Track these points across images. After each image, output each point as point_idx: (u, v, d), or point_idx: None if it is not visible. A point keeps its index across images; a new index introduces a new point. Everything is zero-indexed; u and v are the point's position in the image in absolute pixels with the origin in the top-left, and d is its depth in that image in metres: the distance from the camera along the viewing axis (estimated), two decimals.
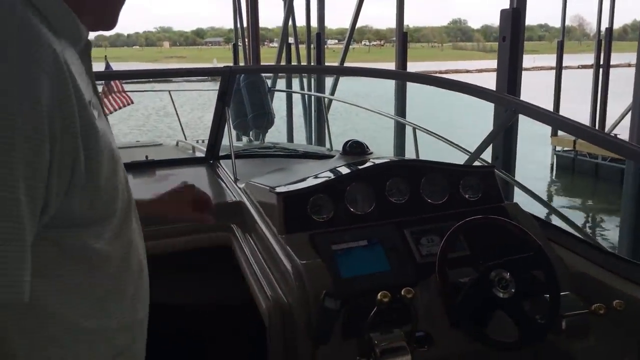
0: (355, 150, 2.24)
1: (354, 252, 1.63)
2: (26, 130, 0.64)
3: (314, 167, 2.23)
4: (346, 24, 11.48)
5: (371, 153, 2.26)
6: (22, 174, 0.65)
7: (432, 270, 1.53)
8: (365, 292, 1.47)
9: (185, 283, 2.36)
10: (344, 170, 1.95)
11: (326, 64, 11.82)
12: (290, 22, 13.02)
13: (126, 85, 8.63)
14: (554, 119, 2.09)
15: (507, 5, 5.10)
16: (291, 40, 13.40)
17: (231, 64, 11.73)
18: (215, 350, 2.53)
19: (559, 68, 15.47)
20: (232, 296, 2.12)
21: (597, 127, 13.70)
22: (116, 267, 0.85)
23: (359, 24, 11.56)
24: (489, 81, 5.23)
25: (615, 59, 15.51)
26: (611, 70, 14.73)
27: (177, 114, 6.43)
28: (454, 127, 12.83)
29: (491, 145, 2.80)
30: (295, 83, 13.40)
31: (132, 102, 8.51)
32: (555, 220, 2.24)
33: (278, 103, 10.37)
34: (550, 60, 20.09)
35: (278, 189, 1.79)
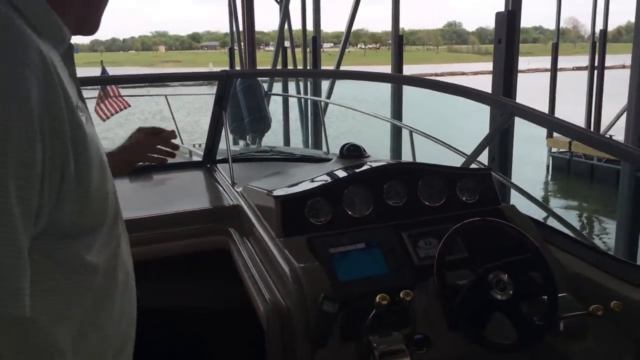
0: (352, 153, 2.25)
1: (352, 255, 1.63)
2: (19, 131, 0.62)
3: (311, 171, 2.23)
4: (342, 28, 11.52)
5: (368, 156, 2.26)
6: (14, 175, 0.62)
7: (430, 273, 1.53)
8: (363, 295, 1.47)
9: (183, 287, 2.35)
10: (342, 173, 1.96)
11: (322, 67, 11.84)
12: (286, 26, 13.06)
13: (122, 90, 8.63)
14: (550, 122, 2.10)
15: (502, 8, 5.13)
16: (287, 43, 13.42)
17: (227, 68, 11.73)
18: (214, 354, 2.52)
19: (553, 70, 15.54)
20: (230, 300, 2.12)
21: (592, 129, 13.77)
22: (102, 279, 0.82)
23: (354, 27, 11.61)
24: (485, 83, 5.26)
25: (609, 60, 15.61)
26: (606, 71, 14.82)
27: (173, 118, 6.43)
28: (451, 129, 12.87)
29: (487, 148, 2.80)
30: (292, 86, 13.42)
31: (129, 105, 8.50)
32: (552, 222, 2.25)
33: (274, 106, 10.39)
34: (545, 62, 20.19)
35: (276, 193, 1.79)
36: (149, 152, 1.53)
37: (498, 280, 1.46)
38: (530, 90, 14.33)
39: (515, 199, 2.59)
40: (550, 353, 1.54)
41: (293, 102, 12.99)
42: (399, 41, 8.66)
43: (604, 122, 14.43)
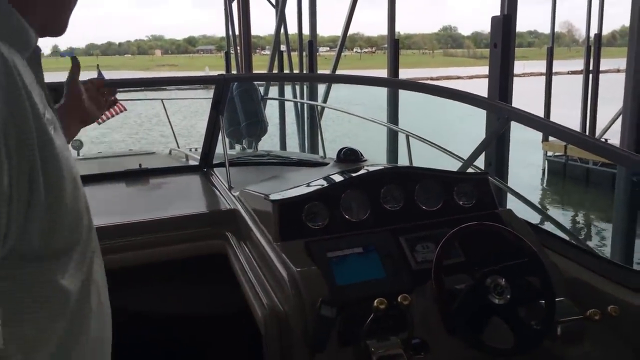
0: (349, 157, 2.25)
1: (350, 259, 1.63)
2: None
3: (308, 175, 2.23)
4: (338, 32, 11.54)
5: (365, 160, 2.27)
6: None
7: (428, 277, 1.53)
8: (361, 299, 1.47)
9: (180, 291, 2.35)
10: (339, 177, 1.96)
11: (318, 71, 11.87)
12: (282, 30, 13.08)
13: (118, 94, 8.60)
14: (546, 126, 2.11)
15: (497, 12, 5.15)
16: (283, 47, 13.44)
17: (224, 72, 11.75)
18: (211, 359, 2.51)
19: (548, 74, 15.62)
20: (228, 304, 2.11)
21: (587, 132, 13.83)
22: (76, 303, 0.74)
23: (350, 32, 11.63)
24: (481, 87, 5.27)
25: (604, 64, 15.70)
26: (600, 75, 14.90)
27: (169, 122, 6.42)
28: (447, 132, 12.89)
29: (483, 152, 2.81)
30: (288, 90, 13.43)
31: (125, 109, 8.47)
32: (547, 226, 2.25)
33: (270, 110, 10.39)
34: (540, 66, 20.27)
35: (273, 197, 1.79)
36: (87, 105, 1.39)
37: (496, 285, 1.46)
38: (526, 94, 14.40)
39: (512, 203, 2.60)
40: (548, 357, 1.54)
41: (289, 106, 13.01)
42: (394, 45, 8.69)
43: (599, 126, 14.50)
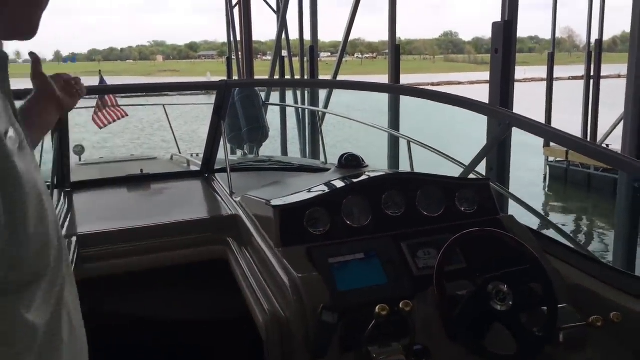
0: (350, 163, 2.25)
1: (351, 265, 1.63)
2: None
3: (309, 180, 2.24)
4: (339, 37, 11.57)
5: (367, 166, 2.27)
6: None
7: (429, 283, 1.53)
8: (362, 305, 1.47)
9: (182, 296, 2.35)
10: (340, 183, 1.96)
11: (320, 76, 11.89)
12: (283, 35, 13.11)
13: (120, 99, 8.63)
14: (547, 132, 2.11)
15: (497, 18, 5.16)
16: (284, 53, 13.48)
17: (225, 78, 11.76)
18: None
19: (549, 79, 15.62)
20: (229, 310, 2.11)
21: (588, 138, 13.82)
22: (44, 337, 0.66)
23: (351, 37, 11.66)
24: (482, 92, 5.27)
25: (605, 70, 15.70)
26: (602, 81, 14.91)
27: (171, 128, 6.43)
28: (448, 135, 12.88)
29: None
30: (289, 96, 13.45)
31: (127, 115, 8.49)
32: (548, 231, 2.25)
33: (271, 115, 10.41)
34: (541, 71, 20.29)
35: (274, 202, 1.79)
36: (59, 94, 1.41)
37: (498, 291, 1.46)
38: (527, 99, 14.41)
39: (513, 208, 2.59)
40: None
41: (290, 112, 13.02)
42: (395, 51, 8.71)
43: (601, 131, 14.49)
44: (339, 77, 11.13)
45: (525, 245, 1.58)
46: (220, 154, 2.82)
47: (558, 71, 17.78)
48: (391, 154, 8.37)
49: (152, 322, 2.39)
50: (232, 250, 1.99)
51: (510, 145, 4.86)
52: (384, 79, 10.31)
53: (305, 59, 12.22)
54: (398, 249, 1.70)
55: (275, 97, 12.68)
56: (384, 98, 8.83)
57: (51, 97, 1.37)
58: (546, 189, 14.84)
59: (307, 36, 11.95)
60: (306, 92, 12.10)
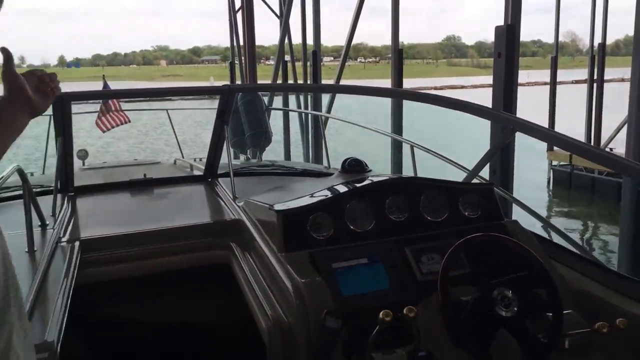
0: (354, 168, 2.25)
1: (355, 270, 1.62)
2: None
3: (312, 185, 2.23)
4: (342, 42, 11.58)
5: (370, 171, 2.26)
6: None
7: (433, 288, 1.52)
8: (366, 311, 1.46)
9: (184, 301, 2.34)
10: (343, 188, 1.95)
11: (322, 81, 11.89)
12: (286, 40, 13.12)
13: (124, 104, 8.66)
14: (551, 137, 2.10)
15: (500, 22, 5.15)
16: (287, 57, 13.49)
17: (228, 82, 11.78)
18: None
19: (553, 83, 15.60)
20: (231, 314, 2.11)
21: (592, 142, 13.77)
22: None
23: (354, 42, 11.66)
24: (485, 96, 5.26)
25: (608, 73, 15.67)
26: (605, 84, 14.87)
27: (174, 132, 6.45)
28: (452, 136, 12.85)
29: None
30: (292, 100, 13.45)
31: (129, 121, 8.52)
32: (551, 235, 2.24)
33: (274, 120, 10.40)
34: (544, 75, 20.25)
35: (277, 207, 1.78)
36: (31, 95, 1.29)
37: (502, 297, 1.45)
38: (531, 102, 14.37)
39: (516, 213, 2.58)
40: None
41: (293, 116, 13.02)
42: (398, 55, 8.70)
43: (604, 135, 14.45)
44: (342, 82, 11.12)
45: (531, 250, 1.57)
46: (224, 159, 2.82)
47: (561, 75, 17.75)
48: (394, 158, 8.35)
49: (155, 327, 2.38)
50: (235, 255, 1.99)
51: (514, 149, 4.84)
52: (386, 82, 10.31)
53: (308, 63, 12.22)
54: (402, 254, 1.69)
55: (278, 101, 12.68)
56: (387, 102, 8.82)
57: (23, 99, 1.25)
58: (550, 193, 14.79)
59: (310, 41, 11.95)
60: (309, 97, 12.10)
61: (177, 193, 2.75)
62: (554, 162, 15.08)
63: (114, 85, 10.53)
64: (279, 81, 12.59)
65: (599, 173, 13.23)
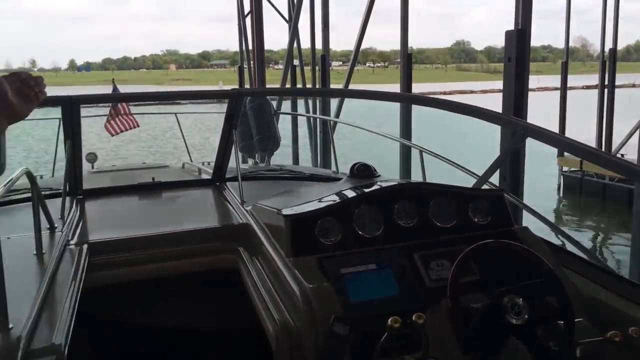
0: (362, 172, 2.24)
1: (363, 276, 1.61)
2: None
3: (321, 190, 2.22)
4: (350, 46, 11.59)
5: (379, 176, 2.25)
6: None
7: (442, 295, 1.50)
8: (374, 317, 1.45)
9: (192, 305, 2.34)
10: (352, 193, 1.94)
11: (331, 85, 11.90)
12: (295, 45, 13.15)
13: (133, 107, 8.71)
14: (562, 142, 2.08)
15: (510, 27, 5.12)
16: (296, 62, 13.52)
17: (237, 87, 11.83)
18: None
19: (563, 89, 15.51)
20: (239, 319, 2.10)
21: (603, 147, 13.67)
22: None
23: (363, 46, 11.66)
24: (495, 101, 5.23)
25: (619, 79, 15.56)
26: (616, 90, 14.77)
27: (183, 136, 6.47)
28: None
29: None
30: (301, 104, 13.47)
31: (138, 126, 8.56)
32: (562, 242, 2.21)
33: (283, 124, 10.41)
34: (554, 80, 20.15)
35: (285, 212, 1.78)
36: (12, 99, 1.23)
37: (513, 304, 1.42)
38: (541, 107, 14.29)
39: (526, 219, 2.55)
40: None
41: (302, 120, 13.04)
42: (407, 59, 8.69)
43: (616, 141, 14.35)
44: (351, 86, 11.13)
45: (542, 258, 1.55)
46: (232, 163, 2.82)
47: (572, 80, 17.65)
48: (403, 164, 8.33)
49: (161, 330, 2.38)
50: (242, 260, 1.98)
51: (525, 155, 4.81)
52: (395, 87, 10.30)
53: (317, 67, 12.25)
54: (410, 260, 1.68)
55: (286, 106, 12.71)
56: (395, 107, 8.79)
57: (4, 104, 1.19)
58: (560, 200, 14.67)
59: (319, 45, 11.98)
60: (318, 101, 12.12)
61: (185, 197, 2.76)
62: (565, 168, 14.97)
63: (123, 88, 10.60)
64: (288, 85, 12.62)
65: (610, 179, 13.11)
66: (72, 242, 1.96)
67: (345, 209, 1.77)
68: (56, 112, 2.77)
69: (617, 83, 15.09)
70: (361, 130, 4.24)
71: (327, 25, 11.51)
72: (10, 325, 1.22)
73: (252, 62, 13.07)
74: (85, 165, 4.46)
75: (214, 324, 2.40)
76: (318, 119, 11.58)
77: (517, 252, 1.58)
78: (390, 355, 1.41)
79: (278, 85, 13.85)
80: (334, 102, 11.63)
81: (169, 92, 2.90)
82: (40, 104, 1.29)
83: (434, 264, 1.67)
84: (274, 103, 9.47)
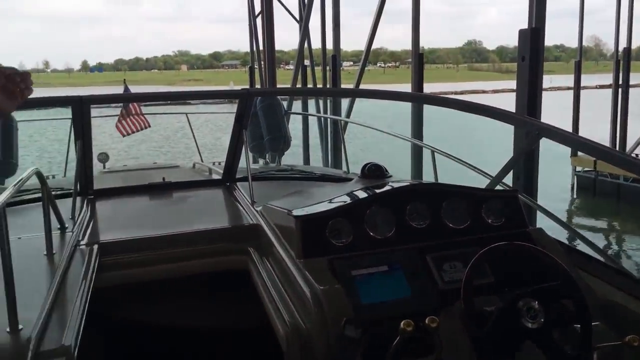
0: (374, 173, 2.22)
1: (375, 278, 1.59)
2: None
3: (332, 190, 2.21)
4: (361, 46, 11.56)
5: (390, 176, 2.23)
6: None
7: (455, 297, 1.48)
8: (386, 320, 1.43)
9: (202, 306, 2.34)
10: (363, 193, 1.93)
11: (342, 85, 11.88)
12: (306, 45, 13.15)
13: (144, 108, 8.75)
14: (577, 142, 2.05)
15: (523, 26, 5.07)
16: (307, 62, 13.51)
17: (248, 87, 11.86)
18: None
19: (577, 88, 15.35)
20: (249, 320, 2.09)
21: (617, 147, 13.51)
22: None
23: (374, 46, 11.62)
24: (506, 100, 5.17)
25: (633, 79, 15.37)
26: (630, 89, 14.60)
27: (193, 136, 6.49)
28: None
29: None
30: (312, 105, 13.46)
31: (149, 126, 8.60)
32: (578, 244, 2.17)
33: (293, 124, 10.40)
34: (567, 80, 19.95)
35: (296, 212, 1.76)
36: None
37: (528, 308, 1.40)
38: (554, 107, 14.14)
39: (540, 221, 2.52)
40: None
41: (313, 120, 13.03)
42: (419, 59, 8.64)
43: (630, 141, 14.18)
44: (361, 86, 11.09)
45: (557, 260, 1.52)
46: (242, 163, 2.81)
47: (585, 80, 17.46)
48: (414, 165, 8.28)
49: (171, 331, 2.38)
50: (253, 261, 1.97)
51: (539, 155, 4.75)
52: (406, 87, 10.25)
53: (328, 67, 12.23)
54: (423, 261, 1.66)
55: (297, 106, 12.70)
56: (406, 107, 8.74)
57: None
58: (574, 201, 14.52)
59: (330, 45, 11.97)
60: (328, 101, 12.10)
61: (196, 197, 2.75)
62: (578, 168, 14.82)
63: (134, 89, 10.66)
64: (298, 85, 12.62)
65: (624, 179, 12.94)
66: (83, 242, 1.96)
67: (357, 209, 1.75)
68: (69, 112, 2.78)
69: (631, 82, 14.91)
70: (372, 131, 4.22)
71: (337, 25, 11.49)
72: (20, 326, 1.21)
73: (262, 63, 13.09)
74: (97, 165, 4.48)
75: (224, 325, 2.39)
76: (329, 119, 11.57)
77: (532, 254, 1.55)
78: (403, 358, 1.39)
79: (289, 86, 13.85)
80: (344, 102, 11.60)
81: (179, 92, 2.90)
82: (50, 104, 1.29)
83: (447, 265, 1.65)
84: (285, 103, 9.47)
